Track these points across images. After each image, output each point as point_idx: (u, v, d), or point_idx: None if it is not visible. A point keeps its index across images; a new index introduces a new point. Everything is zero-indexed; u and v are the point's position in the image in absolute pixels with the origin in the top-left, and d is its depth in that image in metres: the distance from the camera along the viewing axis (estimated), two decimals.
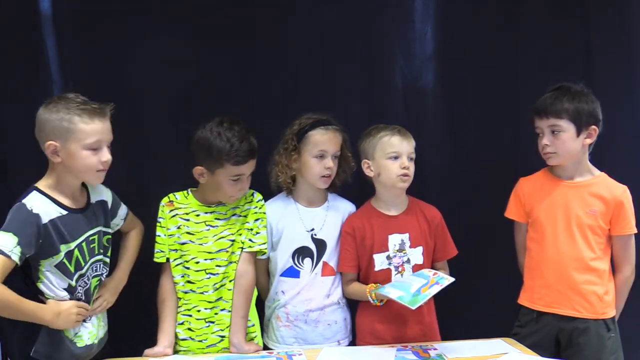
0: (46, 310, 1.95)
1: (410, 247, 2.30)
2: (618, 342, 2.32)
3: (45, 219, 1.93)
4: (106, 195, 2.17)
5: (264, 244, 2.28)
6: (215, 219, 2.25)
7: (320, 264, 2.34)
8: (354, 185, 2.42)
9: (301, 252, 2.33)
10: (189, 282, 2.24)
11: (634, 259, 2.35)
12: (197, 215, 2.25)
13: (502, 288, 2.54)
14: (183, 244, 2.24)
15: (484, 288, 2.61)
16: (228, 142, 2.13)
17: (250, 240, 2.26)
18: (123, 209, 2.23)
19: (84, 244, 2.03)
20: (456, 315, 2.42)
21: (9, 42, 2.44)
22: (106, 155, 1.99)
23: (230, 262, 2.24)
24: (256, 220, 2.28)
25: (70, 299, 2.01)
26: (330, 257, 2.35)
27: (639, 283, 2.42)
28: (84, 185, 2.09)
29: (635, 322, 2.58)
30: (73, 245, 1.99)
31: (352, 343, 2.38)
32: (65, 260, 1.98)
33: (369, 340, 2.31)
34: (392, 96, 2.68)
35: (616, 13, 2.74)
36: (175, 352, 2.21)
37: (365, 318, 2.34)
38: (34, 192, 1.97)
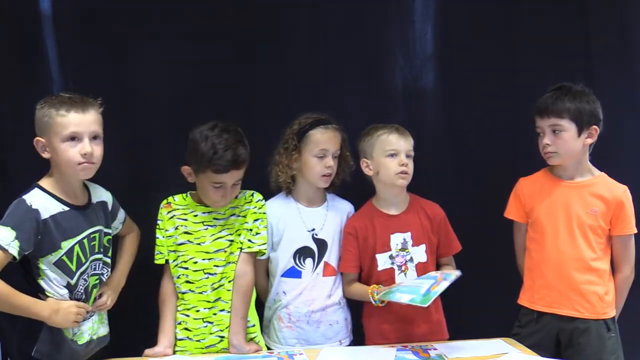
0: (44, 306, 1.95)
1: (413, 245, 2.30)
2: (618, 342, 2.32)
3: (45, 215, 1.95)
4: (106, 197, 2.18)
5: (264, 244, 2.28)
6: (214, 218, 2.25)
7: (322, 264, 2.34)
8: (352, 184, 2.42)
9: (302, 253, 2.33)
10: (187, 282, 2.23)
11: (633, 259, 2.35)
12: (195, 215, 2.25)
13: (502, 288, 2.54)
14: (181, 244, 2.24)
15: (484, 288, 2.61)
16: (212, 149, 2.10)
17: (249, 240, 2.26)
18: (122, 213, 2.25)
19: (85, 240, 2.03)
20: (456, 315, 2.42)
21: (9, 42, 2.44)
22: (86, 148, 1.96)
23: (229, 263, 2.24)
24: (256, 220, 2.28)
25: (70, 298, 2.01)
26: (331, 257, 2.35)
27: (639, 283, 2.42)
28: (85, 185, 2.11)
29: (635, 322, 2.58)
30: (74, 241, 2.00)
31: (353, 343, 2.38)
32: (65, 257, 1.98)
33: (377, 341, 2.31)
34: (392, 96, 2.68)
35: (616, 13, 2.74)
36: (174, 352, 2.21)
37: (373, 319, 2.34)
38: (36, 188, 1.99)
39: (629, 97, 2.75)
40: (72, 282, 2.01)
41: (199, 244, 2.23)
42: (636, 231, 2.33)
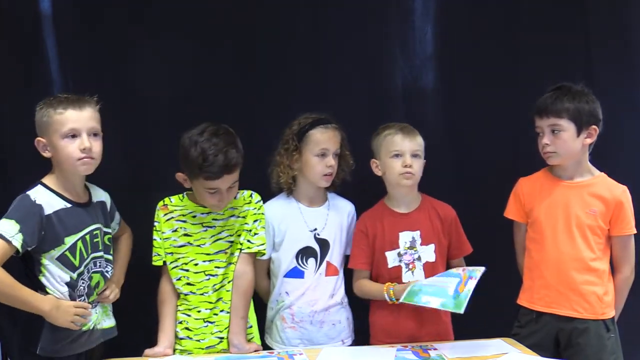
0: (45, 300, 1.97)
1: (422, 244, 2.30)
2: (617, 343, 2.32)
3: (48, 211, 1.98)
4: (105, 197, 2.21)
5: (263, 244, 2.27)
6: (213, 219, 2.24)
7: (324, 263, 2.34)
8: (352, 184, 2.42)
9: (305, 253, 2.33)
10: (188, 284, 2.23)
11: (633, 259, 2.35)
12: (194, 217, 2.24)
13: (502, 288, 2.53)
14: (181, 246, 2.23)
15: (484, 288, 2.60)
16: (202, 155, 2.04)
17: (248, 241, 2.25)
18: (117, 215, 2.27)
19: (87, 236, 2.06)
20: (456, 315, 2.41)
21: (9, 42, 2.44)
22: (84, 143, 1.99)
23: (230, 264, 2.24)
24: (255, 221, 2.27)
25: (71, 296, 2.02)
26: (333, 256, 2.35)
27: (639, 283, 2.42)
28: (85, 186, 2.13)
29: (635, 322, 2.58)
30: (77, 237, 2.02)
31: (355, 342, 2.39)
32: (68, 252, 2.01)
33: (383, 339, 2.30)
34: (392, 96, 2.68)
35: (616, 13, 2.74)
36: (175, 351, 2.21)
37: (380, 317, 2.34)
38: (39, 185, 2.03)
39: (629, 97, 2.75)
40: (74, 276, 2.02)
41: (199, 245, 2.23)
42: (636, 231, 2.33)
